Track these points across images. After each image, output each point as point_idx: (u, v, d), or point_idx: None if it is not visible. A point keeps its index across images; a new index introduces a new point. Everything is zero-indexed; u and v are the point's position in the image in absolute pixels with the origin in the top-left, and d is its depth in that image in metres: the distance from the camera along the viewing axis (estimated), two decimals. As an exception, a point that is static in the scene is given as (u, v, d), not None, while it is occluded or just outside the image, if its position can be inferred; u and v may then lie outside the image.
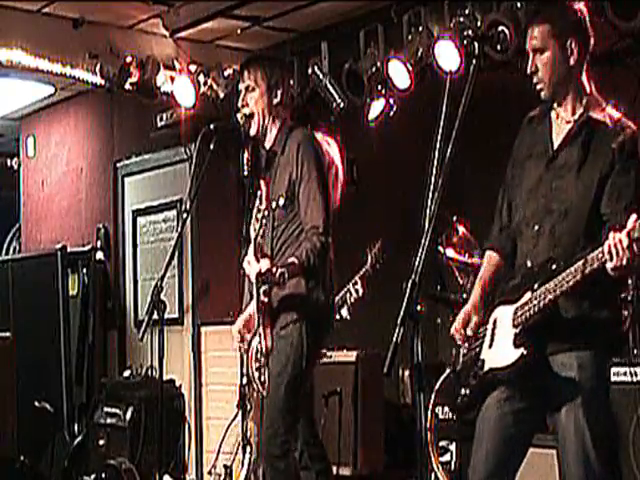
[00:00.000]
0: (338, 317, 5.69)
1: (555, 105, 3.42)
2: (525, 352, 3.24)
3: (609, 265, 2.97)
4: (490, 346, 3.40)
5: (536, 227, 3.36)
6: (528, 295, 3.26)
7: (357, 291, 5.74)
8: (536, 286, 3.24)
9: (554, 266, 3.21)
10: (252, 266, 4.19)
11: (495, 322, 3.40)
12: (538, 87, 3.38)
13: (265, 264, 4.11)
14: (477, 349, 3.45)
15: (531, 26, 3.37)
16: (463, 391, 3.49)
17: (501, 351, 3.33)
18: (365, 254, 5.79)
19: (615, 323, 3.35)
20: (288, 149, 4.36)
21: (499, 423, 3.36)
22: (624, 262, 2.93)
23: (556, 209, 3.32)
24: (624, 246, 2.92)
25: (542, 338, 3.28)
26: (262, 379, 4.26)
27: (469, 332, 3.47)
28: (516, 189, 3.49)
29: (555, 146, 3.39)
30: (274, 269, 4.10)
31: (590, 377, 3.23)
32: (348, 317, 5.73)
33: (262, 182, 4.26)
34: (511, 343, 3.28)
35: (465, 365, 3.50)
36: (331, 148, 4.51)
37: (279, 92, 4.40)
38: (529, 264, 3.35)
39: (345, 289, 5.75)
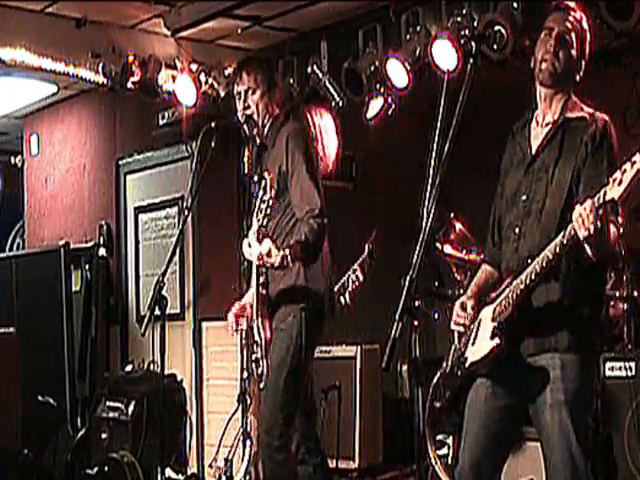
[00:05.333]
0: (341, 301, 5.76)
1: (538, 110, 3.46)
2: (498, 342, 3.29)
3: (580, 235, 3.00)
4: (473, 344, 3.46)
5: (517, 230, 3.41)
6: (507, 291, 3.34)
7: (357, 277, 5.78)
8: (513, 282, 3.31)
9: (529, 261, 3.26)
10: (253, 248, 4.19)
11: (480, 322, 3.47)
12: (544, 66, 3.35)
13: (267, 245, 4.14)
14: (463, 348, 3.50)
15: (551, 12, 3.41)
16: (447, 391, 3.56)
17: (480, 345, 3.40)
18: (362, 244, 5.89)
19: (597, 322, 3.37)
20: (278, 142, 4.46)
21: (485, 419, 3.42)
22: (591, 230, 2.95)
23: (534, 210, 3.36)
24: (588, 214, 2.95)
25: (523, 335, 3.33)
26: (260, 371, 4.32)
27: (469, 310, 3.48)
28: (502, 199, 3.55)
29: (533, 150, 3.44)
30: (276, 251, 4.12)
31: (574, 377, 3.26)
32: (348, 302, 5.77)
33: (266, 173, 4.33)
34: (489, 336, 3.34)
35: (453, 364, 3.54)
36: (322, 118, 4.59)
37: (276, 92, 4.55)
38: (512, 265, 3.40)
39: (345, 277, 5.81)
